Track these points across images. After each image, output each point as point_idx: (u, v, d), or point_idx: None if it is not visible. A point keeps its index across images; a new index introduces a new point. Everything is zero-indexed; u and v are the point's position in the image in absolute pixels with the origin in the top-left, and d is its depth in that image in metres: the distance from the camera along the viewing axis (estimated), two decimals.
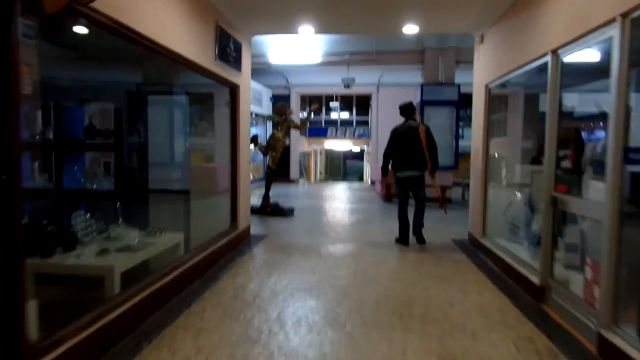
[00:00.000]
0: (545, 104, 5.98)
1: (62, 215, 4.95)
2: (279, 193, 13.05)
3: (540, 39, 3.93)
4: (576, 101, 5.27)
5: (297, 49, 11.36)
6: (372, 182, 16.51)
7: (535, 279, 3.93)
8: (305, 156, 21.72)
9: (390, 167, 6.38)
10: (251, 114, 13.76)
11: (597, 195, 3.07)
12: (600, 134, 4.36)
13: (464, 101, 11.76)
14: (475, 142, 6.18)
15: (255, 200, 9.03)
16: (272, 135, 8.77)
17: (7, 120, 2.03)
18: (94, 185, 5.67)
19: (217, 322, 3.31)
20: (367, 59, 11.35)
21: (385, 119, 16.43)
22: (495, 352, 2.86)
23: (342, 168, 36.60)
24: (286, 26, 6.08)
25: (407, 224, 6.18)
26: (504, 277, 4.60)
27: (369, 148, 20.01)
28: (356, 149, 27.05)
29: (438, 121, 10.71)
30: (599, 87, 4.55)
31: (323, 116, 21.30)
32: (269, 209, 8.54)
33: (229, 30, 5.40)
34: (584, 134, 4.35)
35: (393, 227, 7.12)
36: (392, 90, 16.25)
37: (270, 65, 11.80)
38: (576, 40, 3.29)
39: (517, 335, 3.11)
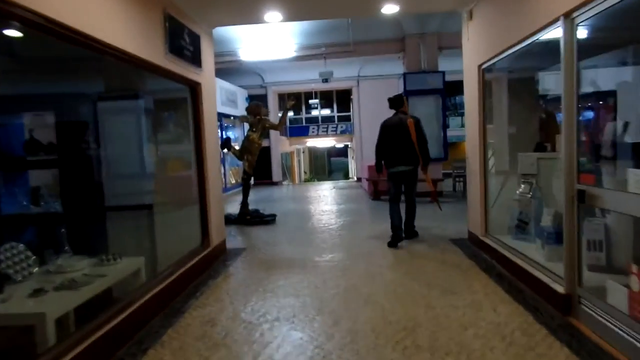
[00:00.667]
0: (544, 84, 5.46)
1: None
2: (261, 197, 12.34)
3: (547, 2, 3.31)
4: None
5: (270, 44, 10.65)
6: (359, 179, 15.89)
7: (559, 287, 3.31)
8: (287, 156, 21.00)
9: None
10: (226, 116, 13.03)
11: None
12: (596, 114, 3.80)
13: (450, 89, 11.22)
14: (470, 130, 5.57)
15: (235, 208, 8.32)
16: (247, 138, 8.05)
17: None
18: (39, 208, 4.92)
19: None
20: (345, 50, 10.69)
21: (367, 113, 15.84)
22: None
23: (327, 166, 35.99)
24: (250, 14, 5.35)
25: (401, 220, 5.85)
26: (518, 284, 3.98)
27: (353, 144, 19.39)
28: (340, 145, 26.40)
29: (423, 111, 10.10)
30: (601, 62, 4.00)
31: (303, 114, 20.61)
32: (248, 217, 7.84)
33: (183, 20, 4.68)
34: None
35: (385, 229, 6.54)
36: (373, 82, 15.66)
37: (242, 62, 11.07)
38: None
39: None
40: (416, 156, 5.71)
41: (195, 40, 5.01)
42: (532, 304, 3.47)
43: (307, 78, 15.51)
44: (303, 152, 26.35)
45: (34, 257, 3.75)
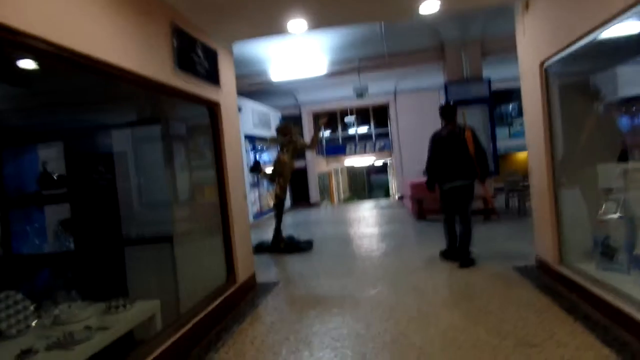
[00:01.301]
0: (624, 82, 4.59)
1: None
2: (298, 221, 11.76)
3: None
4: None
5: (301, 62, 10.21)
6: (400, 198, 15.04)
7: None
8: (325, 177, 20.44)
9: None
10: (259, 138, 12.65)
11: None
12: None
13: (495, 98, 10.33)
14: (533, 138, 4.75)
15: (270, 233, 7.74)
16: (277, 160, 7.52)
17: None
18: (52, 247, 4.55)
19: None
20: (380, 63, 10.09)
21: (406, 128, 15.08)
22: None
23: (366, 184, 35.15)
24: (270, 24, 4.82)
25: (456, 239, 5.54)
26: (617, 330, 3.12)
27: (392, 161, 18.58)
28: (379, 163, 25.58)
29: (469, 122, 9.25)
30: None
31: (340, 133, 20.06)
32: (282, 245, 7.24)
33: (194, 33, 4.21)
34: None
35: (432, 254, 5.78)
36: (411, 96, 14.93)
37: (273, 83, 10.67)
38: None
39: None
40: (473, 169, 5.28)
41: (211, 55, 4.54)
42: None
43: (342, 95, 14.99)
44: (341, 171, 25.73)
45: (33, 306, 3.30)
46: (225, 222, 4.71)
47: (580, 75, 4.39)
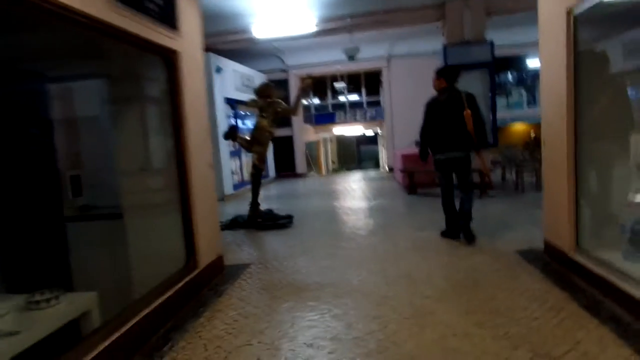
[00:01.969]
0: None
1: None
2: (282, 192, 11.07)
3: None
4: None
5: (287, 18, 9.25)
6: (390, 169, 14.38)
7: None
8: (312, 146, 19.64)
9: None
10: (241, 102, 11.75)
11: None
12: None
13: (504, 63, 9.56)
14: (550, 103, 4.02)
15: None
16: (256, 125, 6.72)
17: None
18: None
19: None
20: (374, 20, 9.16)
21: (399, 96, 14.25)
22: None
23: (356, 155, 34.44)
24: None
25: (456, 215, 5.00)
26: None
27: (383, 131, 17.81)
28: (369, 133, 24.77)
29: (467, 88, 8.47)
30: None
31: (329, 100, 19.14)
32: (259, 220, 6.54)
33: None
34: None
35: (428, 235, 5.17)
36: (405, 62, 14.03)
37: (255, 41, 9.72)
38: None
39: None
40: (470, 140, 4.72)
41: None
42: None
43: (332, 59, 14.04)
44: (330, 140, 24.90)
45: None
46: (184, 196, 3.96)
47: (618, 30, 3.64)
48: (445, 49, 8.83)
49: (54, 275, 3.67)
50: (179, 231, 4.01)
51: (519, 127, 16.04)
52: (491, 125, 8.81)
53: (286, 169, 14.88)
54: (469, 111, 4.62)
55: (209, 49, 9.80)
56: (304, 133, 16.04)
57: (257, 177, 6.65)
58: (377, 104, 18.33)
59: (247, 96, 11.88)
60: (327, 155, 23.63)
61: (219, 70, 10.00)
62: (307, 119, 18.05)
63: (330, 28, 9.35)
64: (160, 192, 4.11)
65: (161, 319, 3.30)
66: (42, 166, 3.77)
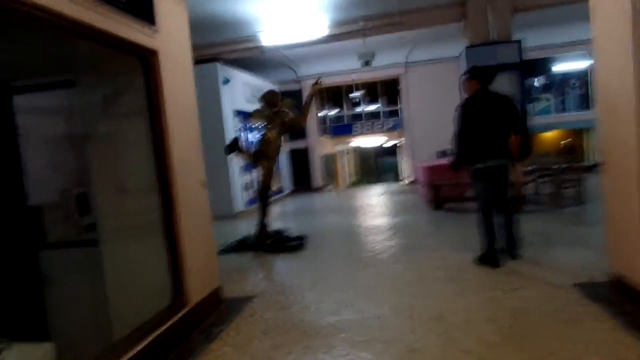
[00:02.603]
0: None
1: None
2: (297, 208, 10.42)
3: None
4: None
5: (296, 23, 8.70)
6: (412, 182, 13.60)
7: None
8: (330, 159, 18.98)
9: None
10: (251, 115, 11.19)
11: None
12: None
13: (528, 67, 8.80)
14: (614, 120, 3.24)
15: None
16: (262, 138, 6.10)
17: None
18: None
19: None
20: (389, 22, 8.52)
21: (418, 105, 13.55)
22: None
23: (375, 167, 33.66)
24: None
25: (494, 234, 4.30)
26: None
27: (403, 141, 17.05)
28: (388, 144, 23.99)
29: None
30: None
31: (345, 111, 18.52)
32: (268, 242, 5.88)
33: None
34: None
35: (457, 258, 4.40)
36: (424, 68, 13.35)
37: (264, 49, 9.18)
38: None
39: None
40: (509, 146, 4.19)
41: None
42: None
43: (347, 68, 13.48)
44: (348, 153, 24.23)
45: None
46: (168, 221, 3.33)
47: None
48: (467, 50, 8.12)
49: (22, 317, 3.09)
50: (164, 263, 3.37)
51: (548, 135, 15.08)
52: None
53: (302, 182, 14.25)
54: (518, 137, 4.16)
55: (215, 59, 9.33)
56: (320, 145, 15.44)
57: (264, 194, 6.01)
58: (395, 113, 17.63)
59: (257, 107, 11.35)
60: (345, 168, 22.94)
61: (226, 81, 9.50)
62: (324, 131, 17.45)
63: (343, 32, 8.75)
64: (142, 215, 3.48)
65: None
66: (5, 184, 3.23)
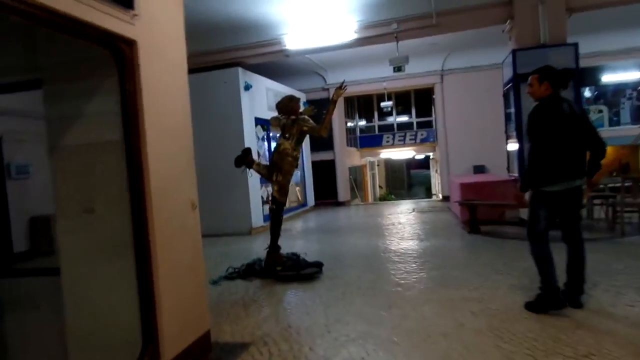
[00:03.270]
0: None
1: None
2: (319, 226, 9.69)
3: None
4: None
5: (323, 25, 8.05)
6: (445, 198, 12.64)
7: None
8: (358, 171, 18.19)
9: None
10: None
11: None
12: None
13: (586, 75, 7.79)
14: None
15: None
16: (276, 148, 5.42)
17: None
18: None
19: None
20: (425, 24, 7.74)
21: (454, 116, 12.63)
22: None
23: (405, 180, 32.57)
24: None
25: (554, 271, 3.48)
26: None
27: (436, 155, 16.09)
28: (420, 156, 22.95)
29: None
30: None
31: (376, 121, 17.74)
32: (279, 269, 5.16)
33: None
34: None
35: (510, 305, 3.54)
36: (462, 76, 12.46)
37: (288, 52, 8.57)
38: None
39: None
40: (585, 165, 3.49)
41: None
42: None
43: (378, 76, 12.73)
44: (377, 164, 23.36)
45: None
46: (140, 249, 2.66)
47: None
48: (514, 54, 7.22)
49: None
50: (135, 305, 2.70)
51: None
52: None
53: (327, 196, 13.51)
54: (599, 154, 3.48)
55: (237, 63, 8.78)
56: (347, 157, 14.69)
57: (277, 213, 5.30)
58: (428, 125, 16.73)
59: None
60: (374, 181, 22.08)
61: (248, 87, 8.93)
62: (351, 142, 16.73)
63: (373, 35, 8.01)
64: (111, 241, 2.84)
65: None
66: None
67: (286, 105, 5.41)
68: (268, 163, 5.46)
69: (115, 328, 2.76)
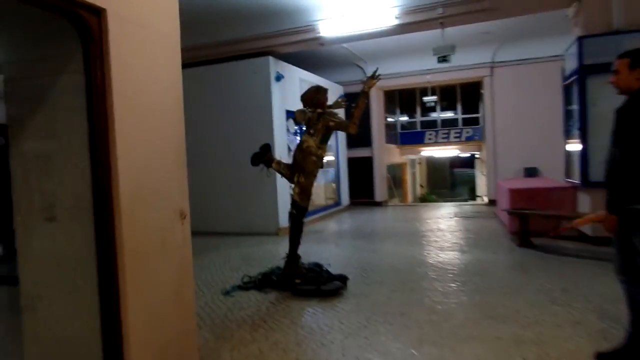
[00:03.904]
0: None
1: None
2: (351, 228, 9.04)
3: None
4: None
5: (361, 10, 7.34)
6: (491, 202, 11.62)
7: None
8: (397, 169, 17.33)
9: None
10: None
11: None
12: None
13: None
14: None
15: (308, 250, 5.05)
16: (299, 146, 4.81)
17: None
18: None
19: None
20: (475, 9, 6.86)
21: (505, 113, 11.54)
22: None
23: (449, 179, 31.21)
24: None
25: None
26: None
27: (483, 154, 15.00)
28: (465, 154, 21.72)
29: (616, 100, 5.81)
30: None
31: (418, 117, 16.82)
32: (298, 282, 4.57)
33: None
34: None
35: (571, 344, 2.74)
36: (514, 69, 11.33)
37: (323, 40, 7.92)
38: None
39: None
40: None
41: None
42: None
43: (422, 68, 11.85)
44: (419, 163, 22.33)
45: None
46: (105, 274, 2.13)
47: None
48: (580, 42, 6.24)
49: None
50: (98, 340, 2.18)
51: None
52: None
53: (362, 195, 12.80)
54: None
55: (268, 52, 8.24)
56: (386, 154, 13.90)
57: (297, 219, 4.70)
58: (475, 122, 15.64)
59: None
60: (414, 180, 21.09)
61: (279, 77, 8.36)
62: (391, 139, 15.92)
63: (416, 21, 7.21)
64: (72, 256, 2.33)
65: None
66: None
67: (312, 97, 4.79)
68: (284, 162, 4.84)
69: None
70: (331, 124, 4.60)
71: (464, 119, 16.10)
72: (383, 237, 7.97)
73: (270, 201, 8.32)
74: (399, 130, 16.84)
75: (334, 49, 10.17)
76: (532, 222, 6.48)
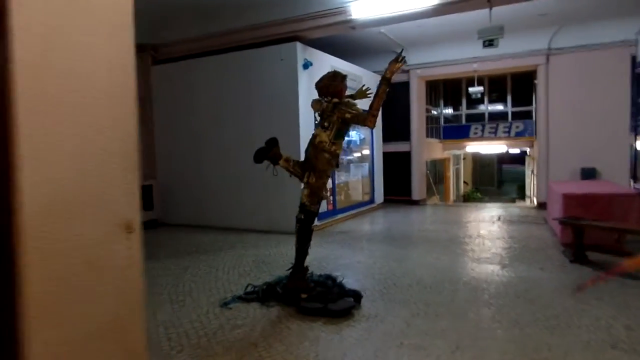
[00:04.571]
0: None
1: None
2: (381, 230, 8.34)
3: None
4: None
5: None
6: (541, 205, 10.50)
7: None
8: (439, 165, 16.31)
9: None
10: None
11: None
12: None
13: None
14: None
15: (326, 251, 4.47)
16: (311, 140, 4.19)
17: None
18: None
19: None
20: None
21: (561, 106, 10.34)
22: None
23: (496, 176, 29.53)
24: None
25: None
26: None
27: (534, 152, 13.77)
28: (514, 150, 20.25)
29: None
30: None
31: (463, 109, 15.72)
32: (304, 297, 3.99)
33: None
34: None
35: None
36: (573, 57, 10.09)
37: (354, 22, 7.21)
38: None
39: None
40: None
41: None
42: None
43: (467, 56, 10.84)
44: (463, 158, 21.10)
45: None
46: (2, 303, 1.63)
47: None
48: None
49: None
50: None
51: None
52: None
53: (399, 192, 12.02)
54: None
55: (295, 37, 7.64)
56: (426, 149, 13.01)
57: (305, 226, 4.10)
58: (527, 115, 14.39)
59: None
60: (457, 177, 19.94)
61: (307, 65, 7.75)
62: (433, 132, 14.97)
63: (460, 0, 6.36)
64: None
65: None
66: None
67: (327, 85, 4.16)
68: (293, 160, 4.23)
69: None
70: (347, 115, 3.95)
71: (513, 112, 14.86)
72: (414, 242, 7.21)
73: (293, 199, 7.74)
74: (442, 123, 15.82)
75: (369, 35, 9.43)
76: (589, 234, 5.55)
